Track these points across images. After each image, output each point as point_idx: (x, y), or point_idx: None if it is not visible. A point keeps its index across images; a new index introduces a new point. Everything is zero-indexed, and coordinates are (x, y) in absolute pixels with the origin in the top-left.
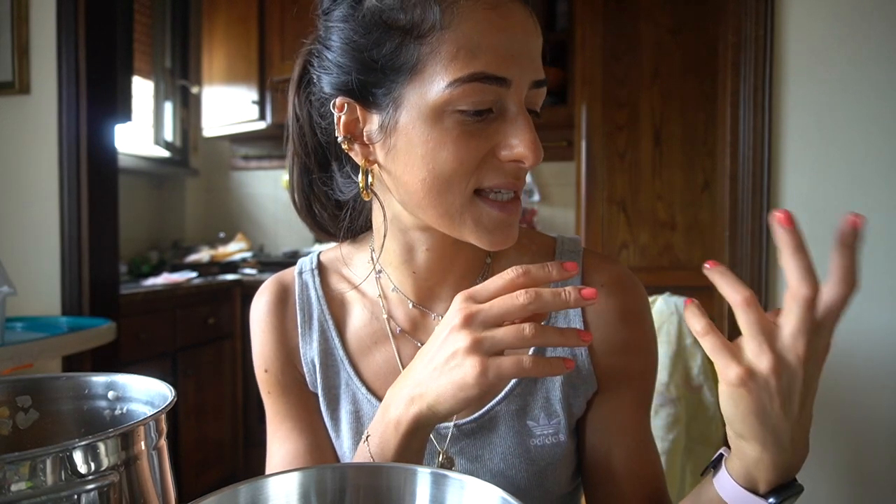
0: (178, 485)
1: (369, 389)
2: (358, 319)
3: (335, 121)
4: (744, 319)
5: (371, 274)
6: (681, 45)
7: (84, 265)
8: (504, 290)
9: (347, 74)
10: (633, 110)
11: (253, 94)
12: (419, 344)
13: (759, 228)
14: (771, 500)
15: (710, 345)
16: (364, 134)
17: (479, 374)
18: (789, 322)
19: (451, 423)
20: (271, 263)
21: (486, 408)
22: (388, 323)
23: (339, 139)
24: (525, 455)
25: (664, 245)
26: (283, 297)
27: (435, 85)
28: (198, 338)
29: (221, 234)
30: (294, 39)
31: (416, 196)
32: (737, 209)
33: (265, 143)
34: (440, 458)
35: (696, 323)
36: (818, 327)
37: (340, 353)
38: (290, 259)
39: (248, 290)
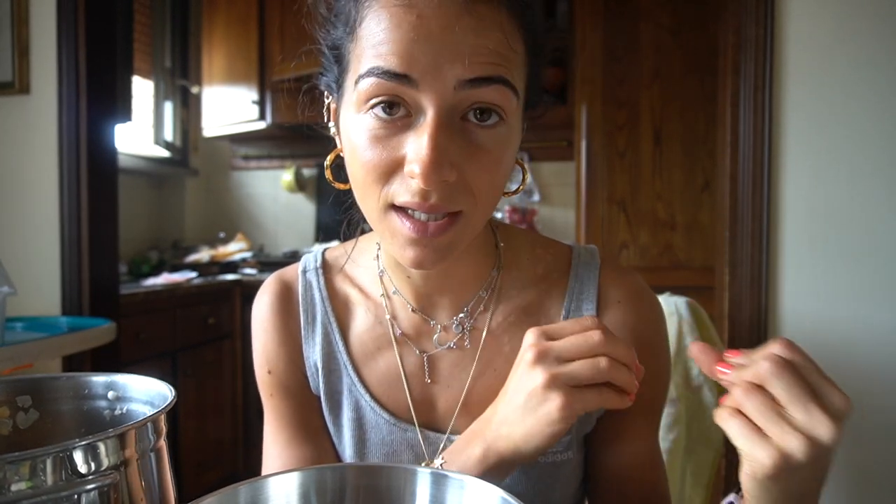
0: (178, 485)
1: (372, 396)
2: (362, 322)
3: (324, 109)
4: (752, 403)
5: (375, 274)
6: (681, 45)
7: (84, 265)
8: (577, 333)
9: (322, 69)
10: (633, 110)
11: (253, 94)
12: (419, 352)
13: (759, 228)
14: None
15: (734, 430)
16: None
17: (563, 408)
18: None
19: (445, 436)
20: (271, 263)
21: None
22: (391, 327)
23: (330, 126)
24: (531, 471)
25: (664, 245)
26: (286, 296)
27: (351, 81)
28: (198, 338)
29: (221, 234)
30: (294, 39)
31: (354, 192)
32: (737, 209)
33: (265, 143)
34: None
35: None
36: (814, 385)
37: (344, 357)
38: (290, 259)
39: (248, 290)
